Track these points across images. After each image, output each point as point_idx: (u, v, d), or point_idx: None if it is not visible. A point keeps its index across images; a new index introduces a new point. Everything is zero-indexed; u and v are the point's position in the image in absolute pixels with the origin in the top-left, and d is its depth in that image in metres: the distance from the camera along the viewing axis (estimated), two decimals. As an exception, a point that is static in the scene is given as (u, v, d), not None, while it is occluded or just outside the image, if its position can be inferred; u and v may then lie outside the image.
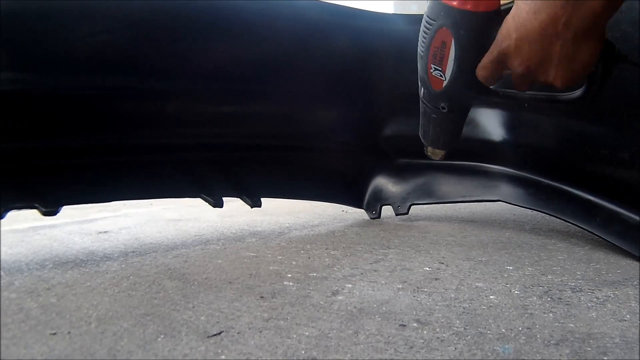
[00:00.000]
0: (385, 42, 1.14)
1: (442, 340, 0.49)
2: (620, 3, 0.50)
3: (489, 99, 0.65)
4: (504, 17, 0.56)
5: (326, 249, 0.92)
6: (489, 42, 0.58)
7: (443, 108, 0.66)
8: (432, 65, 0.63)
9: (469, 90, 0.63)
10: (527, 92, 0.61)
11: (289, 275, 0.74)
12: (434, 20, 0.60)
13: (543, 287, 0.66)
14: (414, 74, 0.86)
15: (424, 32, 0.62)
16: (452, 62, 0.61)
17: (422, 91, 0.67)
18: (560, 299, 0.61)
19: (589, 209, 0.90)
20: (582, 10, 0.48)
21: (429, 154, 0.76)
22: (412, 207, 1.21)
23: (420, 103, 0.69)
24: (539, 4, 0.50)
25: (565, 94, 0.60)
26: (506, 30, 0.55)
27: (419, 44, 0.64)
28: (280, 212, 1.42)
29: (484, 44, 0.58)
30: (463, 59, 0.60)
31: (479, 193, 1.14)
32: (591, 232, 0.88)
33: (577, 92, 0.59)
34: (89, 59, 0.89)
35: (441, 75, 0.62)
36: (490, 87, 0.63)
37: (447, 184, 1.18)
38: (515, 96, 0.62)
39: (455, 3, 0.57)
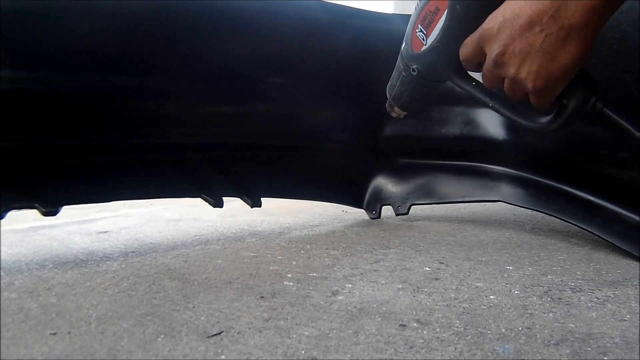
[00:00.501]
0: (385, 42, 1.14)
1: (442, 340, 0.49)
2: (615, 8, 0.47)
3: (460, 83, 0.63)
4: None
5: (326, 249, 0.92)
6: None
7: (413, 70, 0.65)
8: (419, 26, 0.61)
9: (443, 64, 0.62)
10: (494, 104, 0.60)
11: (289, 275, 0.74)
12: None
13: (543, 287, 0.66)
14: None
15: None
16: (438, 31, 0.59)
17: (402, 45, 0.66)
18: (560, 299, 0.61)
19: (589, 209, 0.90)
20: (574, 4, 0.45)
21: (387, 107, 0.75)
22: (412, 207, 1.21)
23: (398, 56, 0.68)
24: None
25: (526, 120, 0.58)
26: (495, 13, 0.52)
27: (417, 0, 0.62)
28: (280, 212, 1.42)
29: (473, 26, 0.56)
30: (448, 32, 0.58)
31: (479, 193, 1.14)
32: (591, 232, 0.88)
33: (541, 120, 0.57)
34: (89, 58, 0.89)
35: (423, 39, 0.61)
36: (468, 72, 0.61)
37: (447, 184, 1.18)
38: (482, 99, 0.61)
39: None
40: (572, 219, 0.92)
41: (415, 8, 0.62)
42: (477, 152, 1.15)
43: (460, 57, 0.58)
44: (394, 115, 0.75)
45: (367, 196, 1.26)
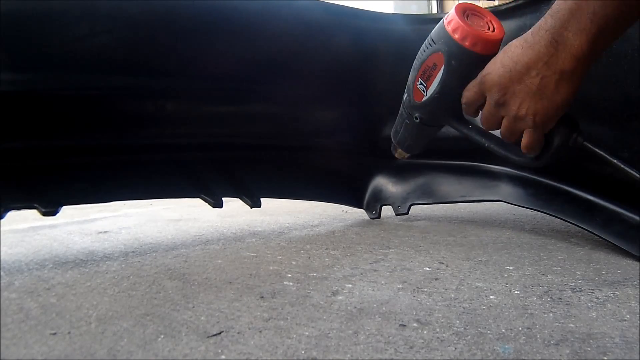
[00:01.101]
0: (385, 42, 1.14)
1: (442, 340, 0.49)
2: (598, 56, 0.54)
3: (457, 127, 0.71)
4: None
5: (326, 249, 0.92)
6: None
7: (416, 118, 0.72)
8: (420, 80, 0.68)
9: (442, 112, 0.70)
10: (489, 144, 0.68)
11: (289, 275, 0.74)
12: (435, 43, 0.64)
13: (543, 287, 0.66)
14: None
15: (423, 49, 0.67)
16: (437, 83, 0.66)
17: (405, 96, 0.73)
18: (560, 299, 0.61)
19: (589, 209, 0.90)
20: (564, 53, 0.53)
21: (392, 150, 0.84)
22: (412, 207, 1.21)
23: (401, 106, 0.75)
24: (529, 39, 0.55)
25: (518, 157, 0.66)
26: (494, 61, 0.59)
27: (416, 56, 0.69)
28: (280, 212, 1.42)
29: (467, 79, 0.63)
30: (446, 85, 0.65)
31: (479, 193, 1.13)
32: (591, 232, 0.88)
33: (530, 156, 0.64)
34: (89, 59, 0.89)
35: (424, 91, 0.68)
36: (464, 117, 0.69)
37: (447, 184, 1.18)
38: (477, 141, 0.69)
39: (456, 36, 0.61)
40: (572, 219, 0.92)
41: (415, 62, 0.69)
42: (477, 151, 1.14)
43: (463, 102, 0.65)
44: (397, 156, 0.84)
45: (367, 196, 1.26)
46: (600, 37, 0.51)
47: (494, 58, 0.60)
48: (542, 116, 0.57)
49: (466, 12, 0.63)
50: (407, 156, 0.83)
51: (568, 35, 0.52)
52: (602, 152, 0.60)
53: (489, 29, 0.63)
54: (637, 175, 0.59)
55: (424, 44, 0.67)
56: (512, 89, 0.57)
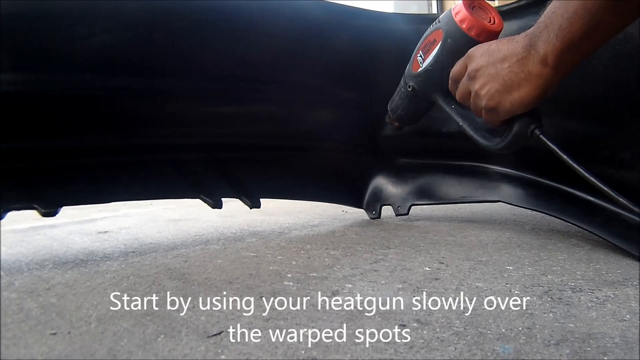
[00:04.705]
0: (386, 42, 1.14)
1: (442, 340, 0.49)
2: (568, 67, 0.59)
3: (442, 103, 0.78)
4: None
5: (326, 249, 0.92)
6: None
7: (409, 87, 0.81)
8: (420, 52, 0.78)
9: (432, 85, 0.78)
10: (463, 124, 0.75)
11: (289, 275, 0.74)
12: (439, 22, 0.74)
13: (543, 287, 0.66)
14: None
15: (430, 26, 0.76)
16: (432, 57, 0.75)
17: (407, 66, 0.82)
18: (560, 299, 0.61)
19: (589, 209, 0.90)
20: (533, 58, 0.59)
21: (387, 119, 0.92)
22: (412, 207, 1.21)
23: (402, 77, 0.84)
24: (515, 37, 0.63)
25: (484, 140, 0.73)
26: (482, 45, 0.67)
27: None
28: (280, 212, 1.42)
29: (457, 58, 0.70)
30: (439, 60, 0.74)
31: (479, 193, 1.13)
32: (591, 232, 0.88)
33: (494, 141, 0.71)
34: (89, 59, 0.89)
35: (421, 62, 0.78)
36: (449, 97, 0.76)
37: (447, 185, 1.18)
38: (455, 119, 0.76)
39: (457, 18, 0.71)
40: (572, 219, 0.92)
41: (420, 39, 0.78)
42: (477, 152, 1.14)
43: (451, 75, 0.72)
44: (389, 124, 0.92)
45: (367, 196, 1.26)
46: (566, 52, 0.57)
47: (484, 43, 0.67)
48: (496, 103, 0.64)
49: (473, 4, 0.72)
50: (396, 125, 0.90)
51: (539, 43, 0.59)
52: (554, 147, 0.66)
53: (489, 22, 0.71)
54: (585, 173, 0.64)
55: (432, 23, 0.76)
56: (485, 69, 0.64)
